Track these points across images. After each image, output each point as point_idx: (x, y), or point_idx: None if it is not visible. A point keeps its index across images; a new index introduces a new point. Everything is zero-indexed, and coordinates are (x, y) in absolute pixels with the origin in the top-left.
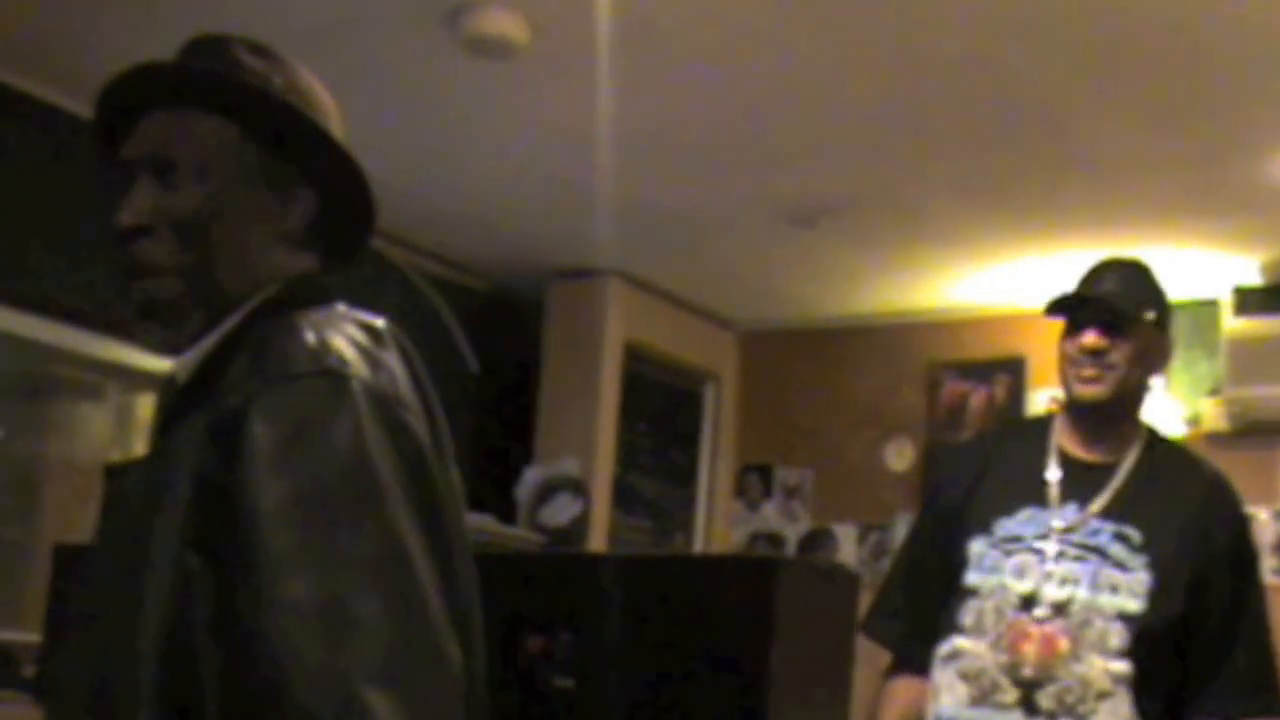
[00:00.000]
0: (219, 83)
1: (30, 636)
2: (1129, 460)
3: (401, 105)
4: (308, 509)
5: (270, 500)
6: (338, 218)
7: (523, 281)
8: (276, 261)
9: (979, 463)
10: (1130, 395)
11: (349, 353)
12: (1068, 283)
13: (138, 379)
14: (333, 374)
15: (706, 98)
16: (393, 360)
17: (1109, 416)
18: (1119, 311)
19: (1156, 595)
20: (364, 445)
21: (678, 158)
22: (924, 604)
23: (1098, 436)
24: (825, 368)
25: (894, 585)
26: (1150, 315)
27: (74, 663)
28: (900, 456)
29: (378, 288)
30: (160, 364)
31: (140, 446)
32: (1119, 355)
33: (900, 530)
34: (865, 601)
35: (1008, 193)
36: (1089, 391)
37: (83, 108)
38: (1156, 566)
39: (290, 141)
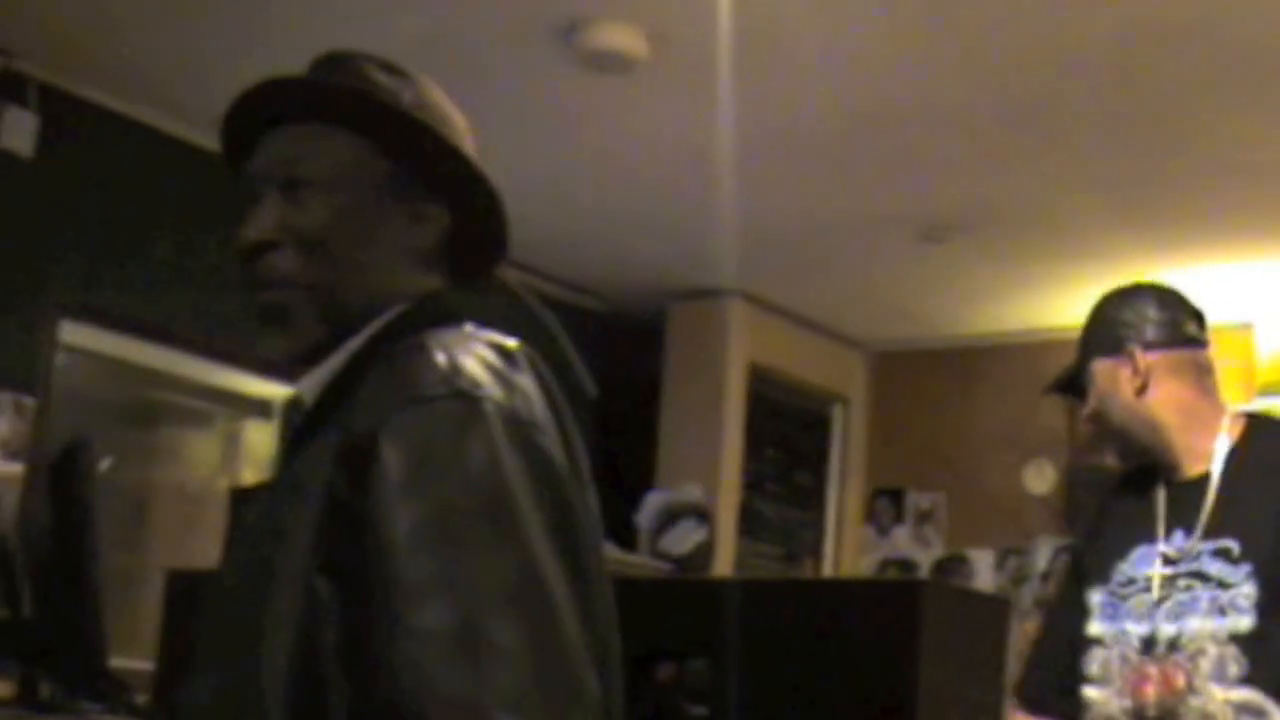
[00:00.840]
0: (350, 97)
1: (142, 664)
2: (1216, 464)
3: (514, 120)
4: (441, 535)
5: (403, 527)
6: (469, 238)
7: (641, 303)
8: (404, 280)
9: (1099, 507)
10: (1137, 423)
11: (481, 374)
12: (1213, 297)
13: (245, 405)
14: (465, 396)
15: (831, 108)
16: (527, 382)
17: (1142, 450)
18: (1063, 383)
19: (1264, 605)
20: (499, 469)
21: (802, 171)
22: (1056, 652)
23: (1170, 460)
24: (960, 388)
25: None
26: (1099, 357)
27: (198, 691)
28: (1040, 478)
29: (489, 309)
30: (269, 390)
31: (248, 473)
32: (1091, 407)
33: (1041, 554)
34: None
35: (1150, 203)
36: (1108, 455)
37: (187, 131)
38: (1258, 573)
39: (421, 158)
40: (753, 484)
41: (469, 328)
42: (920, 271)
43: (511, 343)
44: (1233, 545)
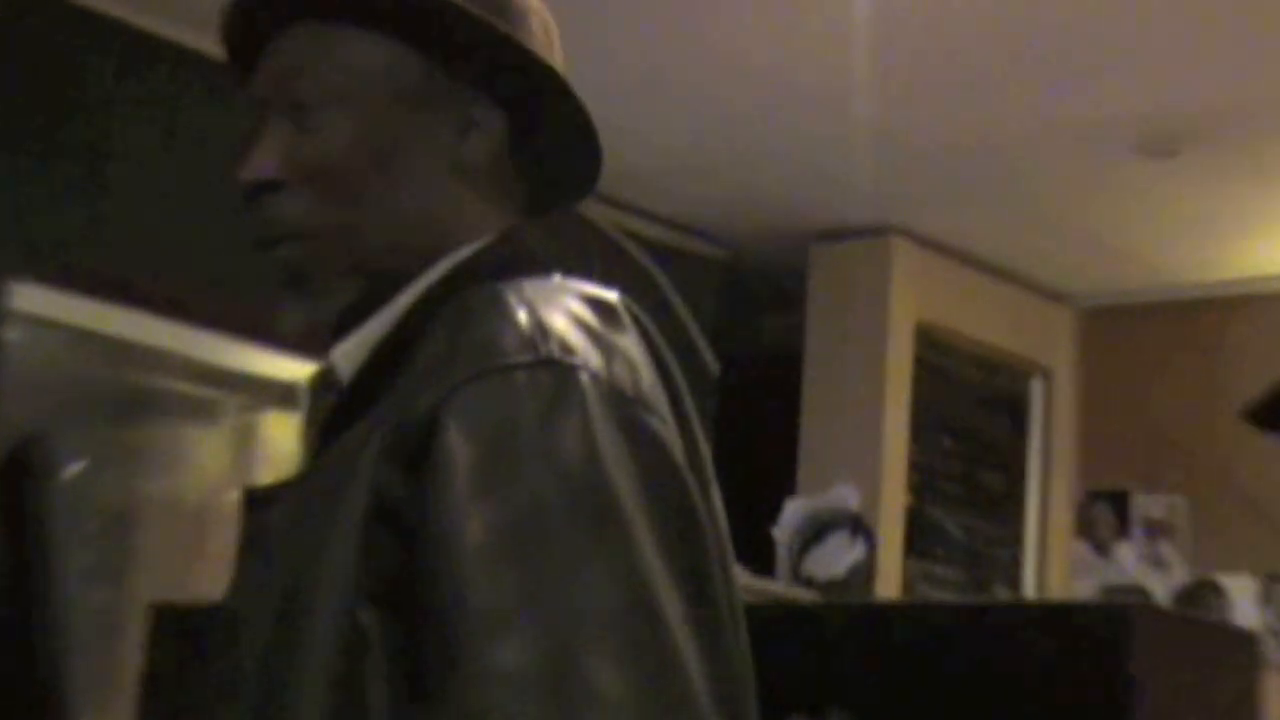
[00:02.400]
0: None
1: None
2: None
3: (611, 10)
4: (524, 547)
5: (474, 536)
6: (542, 160)
7: (774, 248)
8: (462, 214)
9: None
10: None
11: (574, 337)
12: None
13: (263, 391)
14: (554, 364)
15: None
16: (633, 347)
17: None
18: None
19: None
20: (597, 459)
21: (977, 70)
22: None
23: None
24: (1203, 355)
25: None
26: None
27: None
28: None
29: (572, 258)
30: (294, 370)
31: (265, 479)
32: None
33: None
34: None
35: None
36: None
37: (177, 28)
38: None
39: (464, 52)
40: (925, 485)
41: (558, 277)
42: (1143, 198)
43: (613, 296)
44: None
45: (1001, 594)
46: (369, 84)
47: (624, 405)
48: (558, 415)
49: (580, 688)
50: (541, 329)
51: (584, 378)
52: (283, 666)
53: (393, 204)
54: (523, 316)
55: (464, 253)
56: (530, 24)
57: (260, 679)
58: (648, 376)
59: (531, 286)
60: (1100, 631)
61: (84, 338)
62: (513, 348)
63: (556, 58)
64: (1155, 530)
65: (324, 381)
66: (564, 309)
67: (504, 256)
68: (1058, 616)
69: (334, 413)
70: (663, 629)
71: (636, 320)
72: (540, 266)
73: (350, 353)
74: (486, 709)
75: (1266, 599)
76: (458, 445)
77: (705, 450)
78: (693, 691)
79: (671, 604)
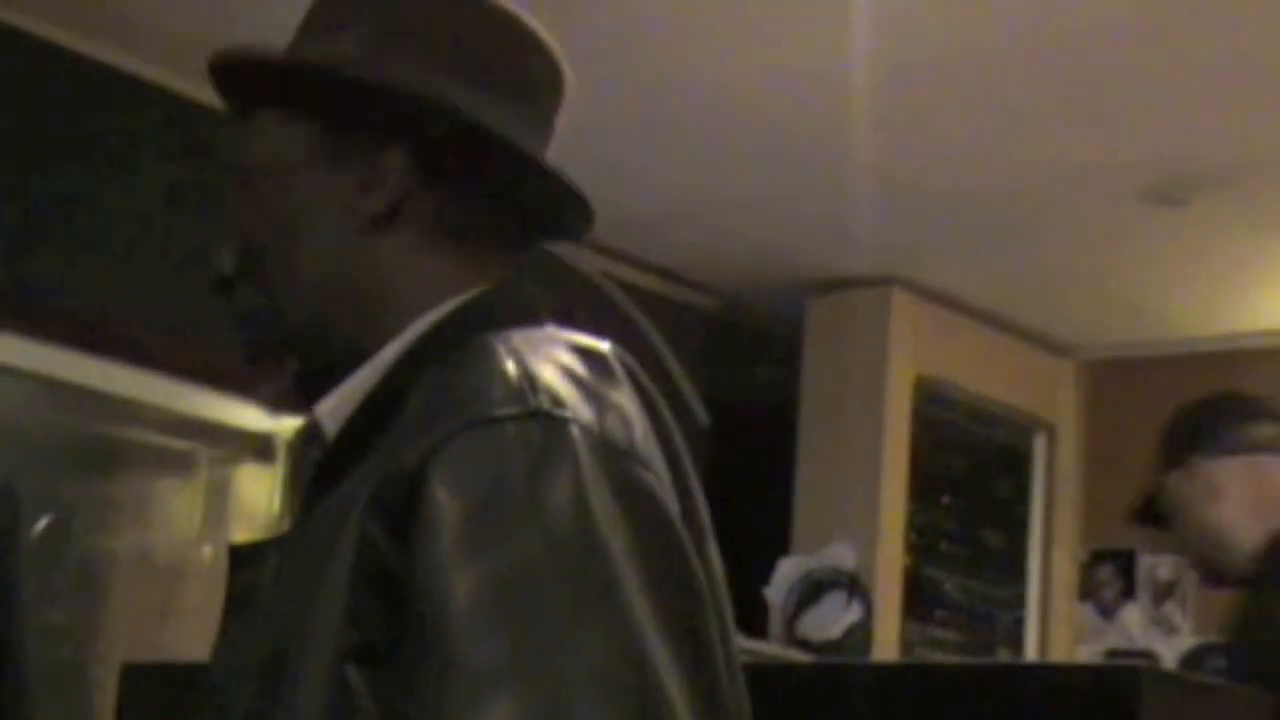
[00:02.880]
0: (234, 63)
1: None
2: None
3: (601, 48)
4: (513, 606)
5: (463, 596)
6: (530, 206)
7: (768, 298)
8: (412, 267)
9: None
10: (1217, 546)
11: (564, 388)
12: None
13: (239, 443)
14: (543, 416)
15: (1013, 25)
16: (626, 399)
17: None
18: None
19: None
20: (588, 514)
21: (976, 114)
22: None
23: None
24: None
25: None
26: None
27: None
28: None
29: (563, 308)
30: (271, 423)
31: (240, 534)
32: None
33: None
34: None
35: None
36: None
37: (156, 68)
38: None
39: (346, 105)
40: (923, 544)
41: (550, 327)
42: (1149, 248)
43: (604, 346)
44: None
45: (1004, 658)
46: (274, 156)
47: (616, 458)
48: (548, 470)
49: None
50: (530, 381)
51: (574, 430)
52: None
53: (302, 273)
54: (511, 368)
55: (449, 305)
56: (498, 75)
57: None
58: (641, 429)
59: (521, 337)
60: (1108, 695)
61: (52, 386)
62: (500, 399)
63: (546, 105)
64: (1163, 592)
65: (308, 437)
66: (554, 360)
67: (492, 306)
68: (1064, 678)
69: (321, 469)
70: (655, 687)
71: (630, 372)
72: (531, 316)
73: (335, 409)
74: None
75: None
76: (445, 501)
77: (702, 504)
78: None
79: (664, 662)
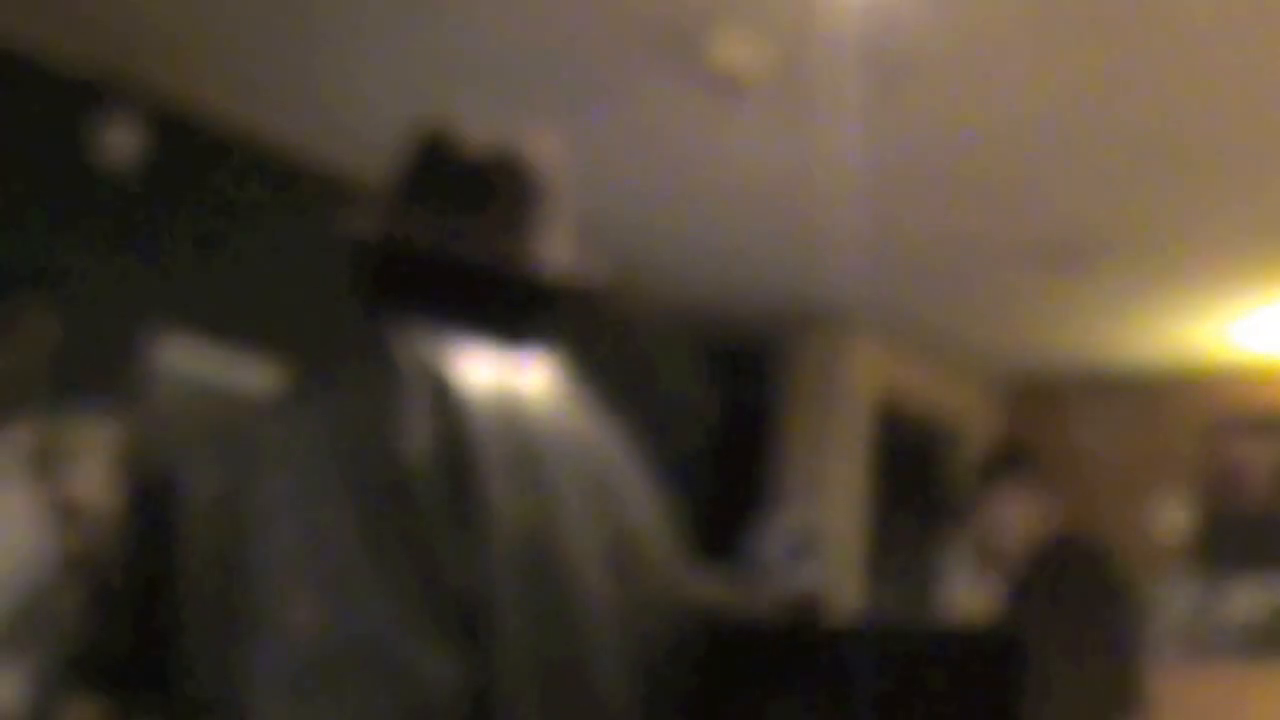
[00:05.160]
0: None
1: None
2: None
3: (626, 133)
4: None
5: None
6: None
7: (755, 331)
8: None
9: None
10: None
11: None
12: None
13: None
14: None
15: (957, 128)
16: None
17: None
18: None
19: None
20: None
21: (928, 193)
22: None
23: None
24: (1096, 429)
25: None
26: None
27: None
28: (1168, 520)
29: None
30: None
31: None
32: None
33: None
34: None
35: None
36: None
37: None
38: None
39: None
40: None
41: None
42: (1051, 298)
43: None
44: None
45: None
46: None
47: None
48: None
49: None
50: None
51: None
52: None
53: None
54: None
55: None
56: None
57: None
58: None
59: None
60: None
61: (224, 388)
62: None
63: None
64: None
65: None
66: None
67: None
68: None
69: None
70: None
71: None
72: None
73: None
74: None
75: None
76: None
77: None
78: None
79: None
